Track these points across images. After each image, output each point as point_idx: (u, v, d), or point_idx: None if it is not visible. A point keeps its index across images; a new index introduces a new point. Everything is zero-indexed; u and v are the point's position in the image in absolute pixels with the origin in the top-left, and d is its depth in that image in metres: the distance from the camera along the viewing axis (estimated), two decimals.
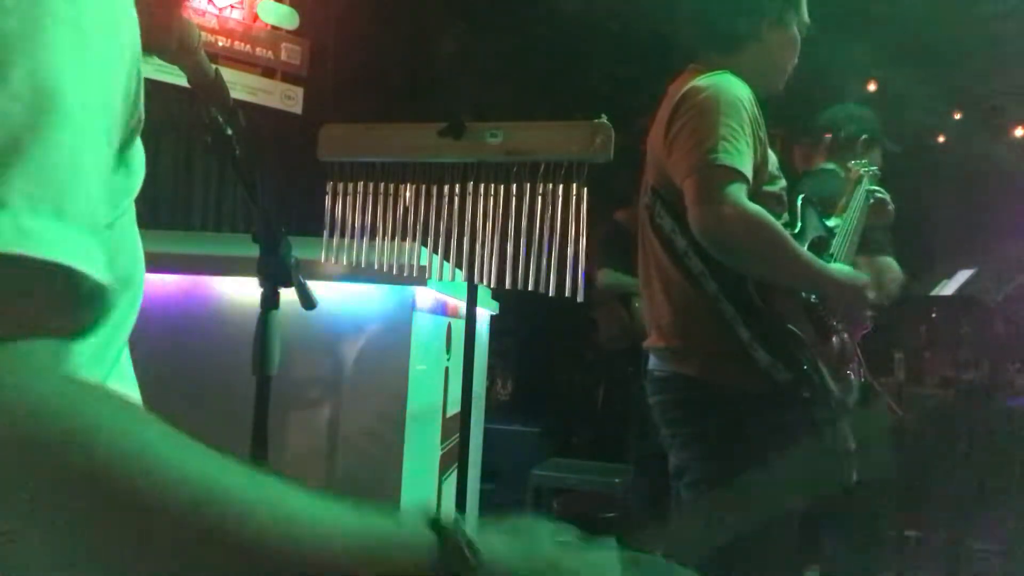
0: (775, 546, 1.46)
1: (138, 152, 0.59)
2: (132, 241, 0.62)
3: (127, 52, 0.51)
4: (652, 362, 1.65)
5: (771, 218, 1.42)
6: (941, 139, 6.13)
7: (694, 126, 1.48)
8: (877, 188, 1.88)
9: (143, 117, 0.57)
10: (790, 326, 1.48)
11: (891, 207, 1.90)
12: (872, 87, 5.24)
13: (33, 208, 0.39)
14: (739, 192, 1.40)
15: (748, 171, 1.43)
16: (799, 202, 1.67)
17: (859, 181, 1.90)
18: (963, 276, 3.46)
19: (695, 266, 1.51)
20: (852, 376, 1.60)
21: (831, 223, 1.78)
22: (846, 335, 1.62)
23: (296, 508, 0.41)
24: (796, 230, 1.61)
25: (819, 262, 1.52)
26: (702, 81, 1.54)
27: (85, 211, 0.42)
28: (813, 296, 1.55)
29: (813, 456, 1.49)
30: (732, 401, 1.47)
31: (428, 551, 0.43)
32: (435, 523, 0.45)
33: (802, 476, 1.47)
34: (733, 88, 1.51)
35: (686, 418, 1.57)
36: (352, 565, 0.41)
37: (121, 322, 0.62)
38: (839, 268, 1.58)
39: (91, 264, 0.41)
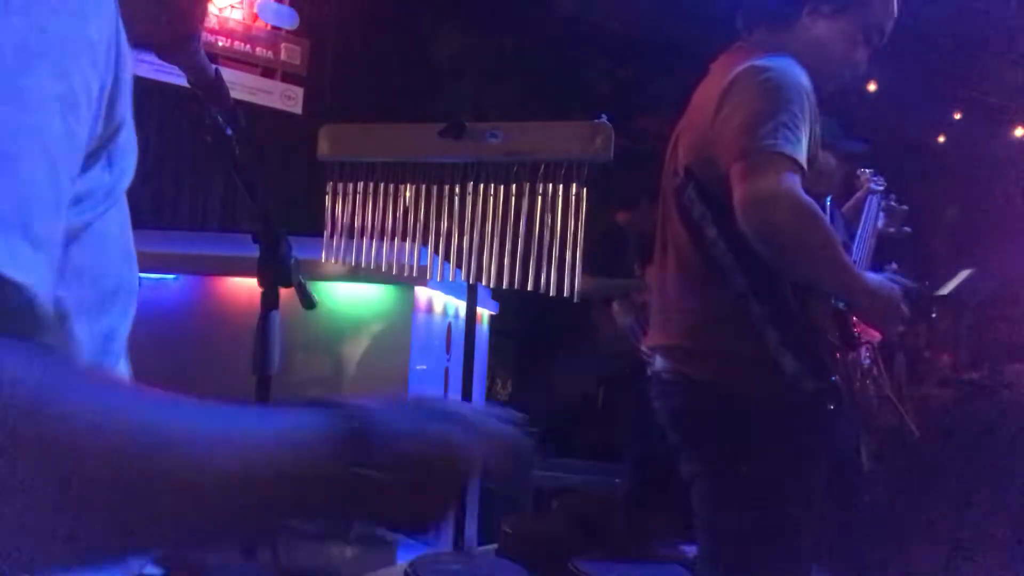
0: (792, 560, 1.42)
1: (125, 149, 0.57)
2: (121, 247, 0.60)
3: (98, 48, 0.50)
4: (660, 362, 1.55)
5: (823, 215, 1.32)
6: (941, 139, 6.14)
7: (753, 107, 1.35)
8: (887, 200, 1.87)
9: (125, 117, 0.56)
10: (828, 337, 1.41)
11: (903, 208, 1.88)
12: (872, 87, 5.24)
13: None
14: (795, 182, 1.29)
15: (805, 162, 1.33)
16: (827, 204, 1.63)
17: (870, 190, 1.89)
18: (963, 276, 3.46)
19: (724, 259, 1.40)
20: (872, 390, 1.55)
21: None
22: (870, 347, 1.58)
23: (201, 423, 0.43)
24: None
25: (857, 269, 1.43)
26: (763, 61, 1.42)
27: (15, 216, 0.40)
28: (842, 303, 1.49)
29: (831, 472, 1.43)
30: (748, 412, 1.38)
31: (328, 437, 0.46)
32: (333, 409, 0.48)
33: (818, 493, 1.42)
34: (796, 73, 1.40)
35: (697, 428, 1.49)
36: (257, 466, 0.43)
37: (114, 331, 0.60)
38: (873, 278, 1.47)
39: (20, 271, 0.39)
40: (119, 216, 0.59)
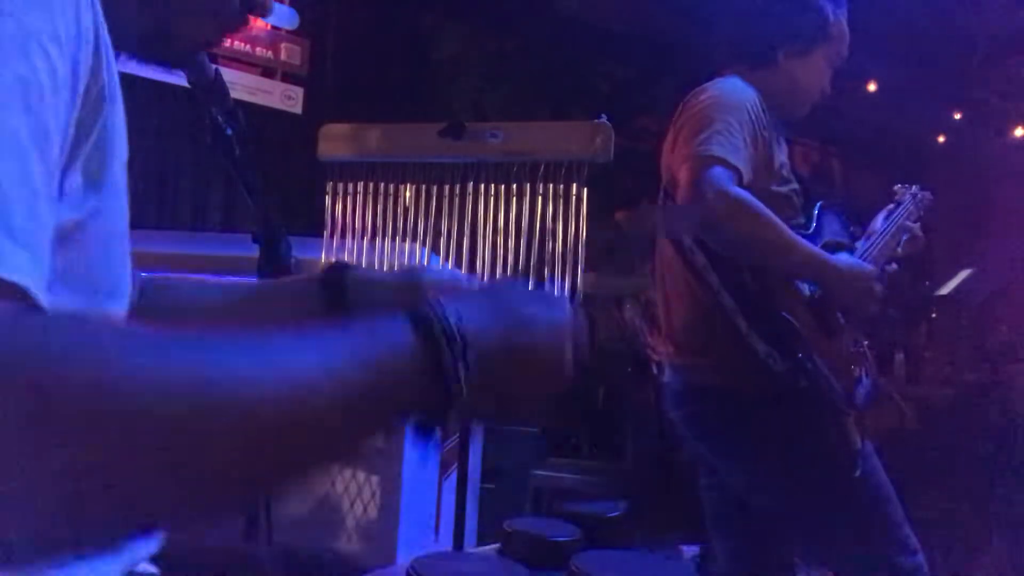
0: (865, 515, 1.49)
1: (112, 135, 0.54)
2: (114, 252, 0.58)
3: (61, 30, 0.46)
4: (669, 375, 1.66)
5: (757, 202, 1.42)
6: (941, 139, 6.14)
7: (694, 122, 1.51)
8: (910, 226, 1.82)
9: (105, 121, 0.52)
10: (784, 314, 1.48)
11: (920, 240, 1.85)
12: (872, 87, 5.24)
13: None
14: (723, 176, 1.41)
15: (740, 163, 1.44)
16: (816, 208, 1.67)
17: (900, 202, 1.86)
18: (962, 276, 3.46)
19: (699, 260, 1.53)
20: (858, 374, 1.59)
21: None
22: (854, 334, 1.61)
23: (296, 354, 0.41)
24: (809, 231, 1.61)
25: (817, 249, 1.52)
26: (708, 85, 1.59)
27: (24, 225, 0.39)
28: (817, 293, 1.54)
29: (820, 452, 1.49)
30: (752, 406, 1.49)
31: (411, 346, 0.45)
32: (414, 315, 0.46)
33: (813, 473, 1.48)
34: (736, 90, 1.55)
35: (716, 432, 1.59)
36: (351, 384, 0.42)
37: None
38: (843, 257, 1.57)
39: (12, 271, 0.38)
40: (114, 216, 0.57)
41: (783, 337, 1.46)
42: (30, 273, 0.39)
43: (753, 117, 1.51)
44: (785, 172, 1.62)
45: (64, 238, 0.51)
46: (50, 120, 0.44)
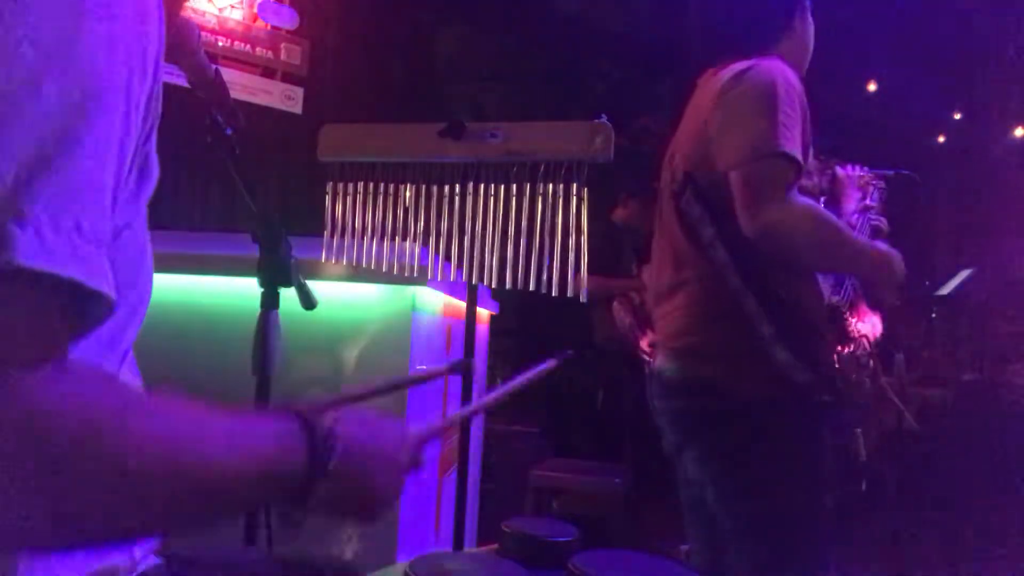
0: (812, 548, 1.42)
1: (153, 153, 0.59)
2: (141, 245, 0.62)
3: (152, 55, 0.51)
4: (662, 362, 1.57)
5: (826, 214, 1.37)
6: (941, 139, 6.14)
7: (749, 107, 1.40)
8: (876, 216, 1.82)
9: (150, 143, 0.57)
10: (815, 325, 1.43)
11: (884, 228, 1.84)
12: (872, 87, 5.24)
13: (55, 223, 0.41)
14: (793, 195, 1.34)
15: (800, 156, 1.37)
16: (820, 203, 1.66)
17: (866, 187, 1.87)
18: (963, 276, 3.46)
19: (720, 257, 1.45)
20: (868, 383, 1.56)
21: None
22: (865, 341, 1.58)
23: (215, 437, 0.52)
24: None
25: (872, 243, 1.48)
26: (751, 64, 1.47)
27: (99, 227, 0.45)
28: (836, 298, 1.52)
29: (831, 466, 1.44)
30: (749, 406, 1.41)
31: (301, 442, 0.57)
32: (301, 416, 0.59)
33: (828, 482, 1.43)
34: (785, 72, 1.45)
35: (700, 426, 1.50)
36: (245, 469, 0.53)
37: (125, 324, 0.61)
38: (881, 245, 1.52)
39: (103, 280, 0.45)
40: (142, 229, 0.61)
41: (812, 347, 1.39)
42: (105, 274, 0.45)
43: (802, 104, 1.42)
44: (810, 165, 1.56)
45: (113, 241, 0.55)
46: (130, 146, 0.51)
